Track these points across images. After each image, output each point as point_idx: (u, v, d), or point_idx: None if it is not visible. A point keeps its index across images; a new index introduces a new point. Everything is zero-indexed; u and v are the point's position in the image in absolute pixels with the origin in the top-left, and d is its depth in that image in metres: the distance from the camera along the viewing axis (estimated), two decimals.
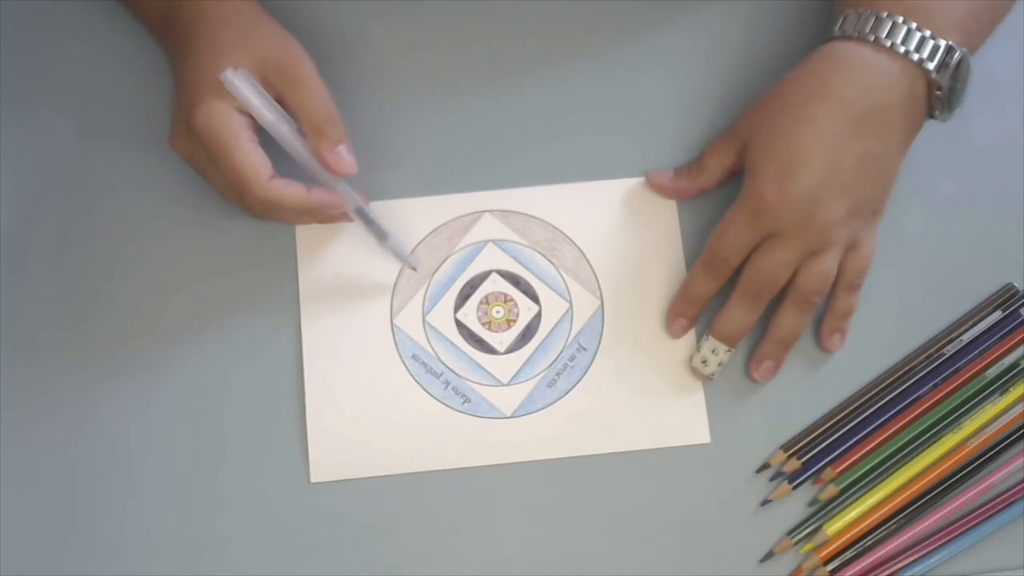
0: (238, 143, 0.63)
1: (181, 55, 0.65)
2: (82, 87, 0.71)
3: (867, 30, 0.64)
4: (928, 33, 0.64)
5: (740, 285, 0.65)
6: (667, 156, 0.70)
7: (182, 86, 0.65)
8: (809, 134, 0.63)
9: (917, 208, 0.70)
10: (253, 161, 0.63)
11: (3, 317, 0.67)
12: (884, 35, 0.64)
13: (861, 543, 0.65)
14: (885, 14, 0.64)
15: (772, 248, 0.64)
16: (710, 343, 0.66)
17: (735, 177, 0.67)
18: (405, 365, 0.66)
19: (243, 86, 0.63)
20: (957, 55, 0.64)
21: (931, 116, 0.66)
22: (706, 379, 0.66)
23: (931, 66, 0.64)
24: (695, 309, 0.67)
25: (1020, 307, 0.68)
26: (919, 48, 0.64)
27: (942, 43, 0.64)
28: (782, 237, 0.64)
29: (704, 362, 0.66)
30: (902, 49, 0.64)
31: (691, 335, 0.67)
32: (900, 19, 0.64)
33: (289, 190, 0.63)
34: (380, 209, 0.68)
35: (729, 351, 0.66)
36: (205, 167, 0.65)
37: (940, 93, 0.65)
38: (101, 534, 0.64)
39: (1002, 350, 0.67)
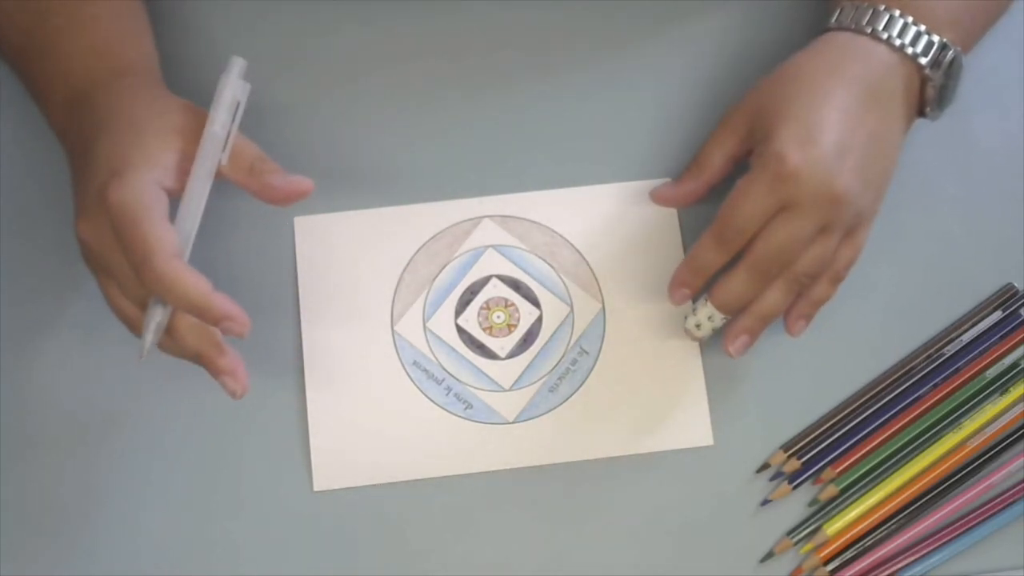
0: (150, 214, 0.57)
1: (93, 136, 0.61)
2: None
3: (864, 22, 0.64)
4: (923, 28, 0.64)
5: (750, 257, 0.63)
6: (667, 159, 0.70)
7: (95, 167, 0.60)
8: (826, 106, 0.63)
9: (917, 208, 0.70)
10: (161, 234, 0.57)
11: (3, 320, 0.68)
12: (881, 27, 0.64)
13: (861, 543, 0.65)
14: (882, 7, 0.64)
15: (788, 220, 0.62)
16: (707, 309, 0.65)
17: (737, 170, 0.67)
18: (406, 372, 0.67)
19: (236, 82, 0.61)
20: (951, 53, 0.64)
21: (921, 114, 0.67)
22: (696, 340, 0.67)
23: (924, 61, 0.64)
24: (700, 280, 0.65)
25: (1020, 307, 0.68)
26: (914, 43, 0.64)
27: (936, 40, 0.64)
28: (800, 209, 0.62)
29: (698, 326, 0.65)
30: (898, 42, 0.64)
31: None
32: (896, 12, 0.64)
33: (192, 277, 0.57)
34: (378, 215, 0.69)
35: (724, 319, 0.65)
36: (107, 250, 0.59)
37: (932, 90, 0.65)
38: (103, 543, 0.65)
39: (1002, 350, 0.67)
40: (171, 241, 0.58)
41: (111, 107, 0.62)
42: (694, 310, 0.65)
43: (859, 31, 0.65)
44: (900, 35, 0.64)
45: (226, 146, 0.61)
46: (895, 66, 0.64)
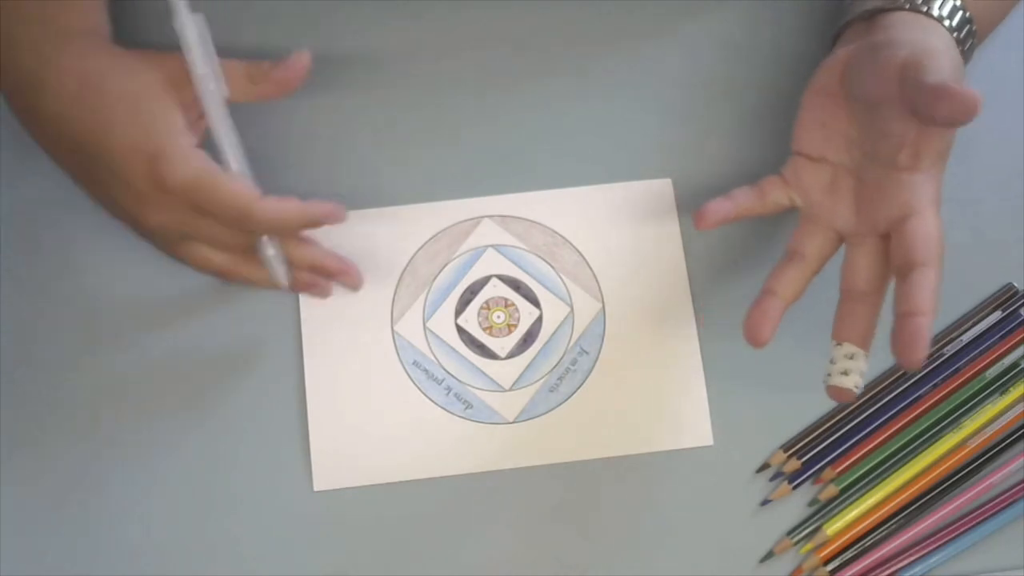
0: (215, 176, 0.60)
1: (87, 131, 0.61)
2: None
3: (919, 1, 0.63)
4: (968, 15, 0.63)
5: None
6: (667, 159, 0.70)
7: (119, 160, 0.60)
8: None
9: None
10: (238, 187, 0.61)
11: (3, 326, 0.68)
12: (935, 8, 0.63)
13: (861, 543, 0.65)
14: None
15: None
16: (844, 348, 0.60)
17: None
18: (406, 372, 0.67)
19: (194, 29, 0.61)
20: (971, 43, 0.64)
21: None
22: (850, 395, 0.60)
23: (963, 49, 0.63)
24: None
25: (1020, 307, 0.68)
26: (959, 29, 0.63)
27: (970, 28, 0.63)
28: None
29: (845, 373, 0.60)
30: (947, 24, 0.63)
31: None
32: None
33: (286, 205, 0.61)
34: (378, 215, 0.69)
35: (866, 356, 0.60)
36: (190, 223, 0.62)
37: None
38: (103, 543, 0.65)
39: (1002, 350, 0.67)
40: (248, 186, 0.61)
41: (75, 90, 0.61)
42: (832, 360, 0.60)
43: (915, 9, 0.62)
44: (949, 17, 0.63)
45: (219, 79, 0.62)
46: (953, 47, 0.63)
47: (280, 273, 0.64)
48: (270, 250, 0.64)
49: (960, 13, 0.63)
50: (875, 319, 0.61)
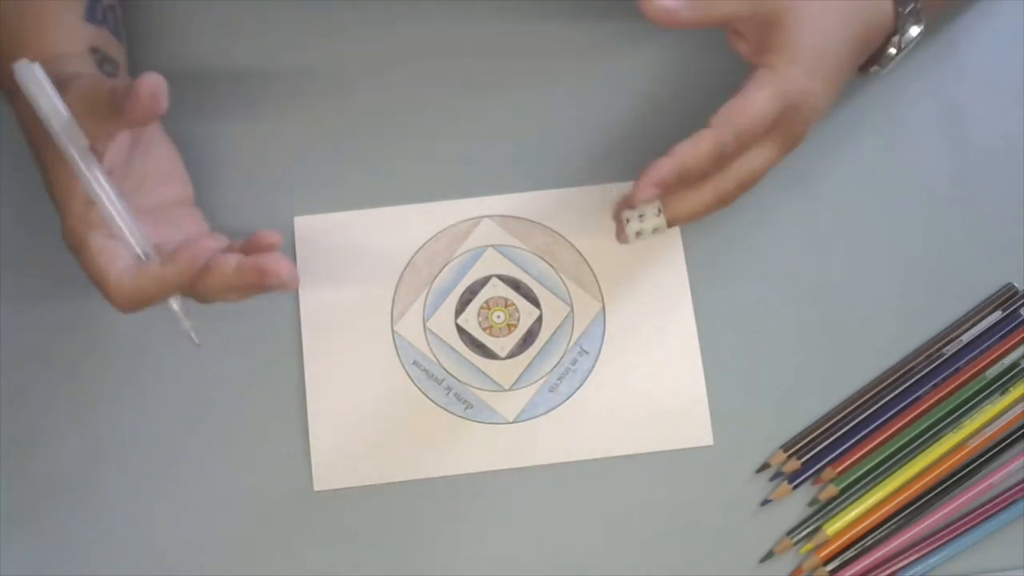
0: (149, 272, 0.59)
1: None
2: None
3: None
4: None
5: (722, 186, 0.62)
6: None
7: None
8: (836, 38, 0.62)
9: (917, 208, 0.70)
10: (168, 271, 0.59)
11: (3, 319, 0.67)
12: None
13: (861, 543, 0.65)
14: None
15: (768, 151, 0.62)
16: (658, 220, 0.63)
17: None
18: (406, 372, 0.67)
19: (39, 80, 0.56)
20: (918, 28, 0.64)
21: (862, 69, 0.66)
22: (625, 243, 0.64)
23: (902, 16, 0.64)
24: (680, 185, 0.61)
25: (1020, 307, 0.68)
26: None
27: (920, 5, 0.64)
28: (783, 142, 0.62)
29: (638, 233, 0.63)
30: None
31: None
32: None
33: (165, 271, 0.58)
34: (378, 215, 0.69)
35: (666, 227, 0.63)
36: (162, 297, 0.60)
37: (892, 49, 0.65)
38: (103, 543, 0.65)
39: (1002, 350, 0.67)
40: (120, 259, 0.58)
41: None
42: (640, 216, 0.63)
43: None
44: None
45: (75, 127, 0.57)
46: (888, 14, 0.64)
47: (187, 327, 0.61)
48: (174, 304, 0.61)
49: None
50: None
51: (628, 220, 0.63)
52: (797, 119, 0.62)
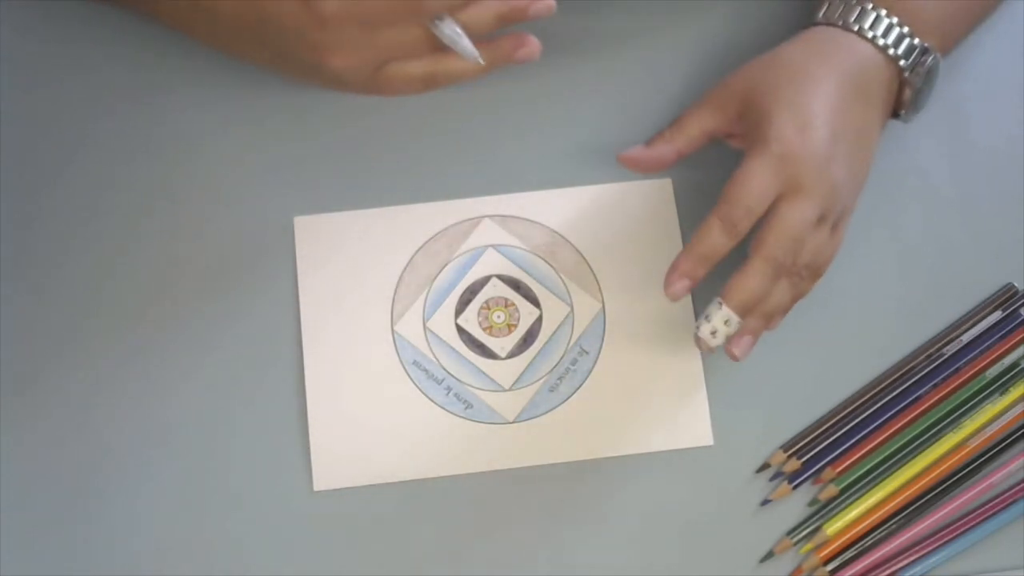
0: None
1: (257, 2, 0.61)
2: (76, 79, 0.71)
3: (851, 19, 0.65)
4: (907, 31, 0.65)
5: (764, 248, 0.61)
6: None
7: (279, 13, 0.60)
8: (818, 94, 0.63)
9: (917, 208, 0.70)
10: None
11: (3, 319, 0.67)
12: (867, 26, 0.65)
13: (861, 543, 0.65)
14: (870, 6, 0.65)
15: (794, 204, 0.61)
16: (723, 312, 0.62)
17: (712, 144, 0.67)
18: (406, 372, 0.67)
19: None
20: (930, 59, 0.65)
21: (895, 115, 0.67)
22: (709, 351, 0.64)
23: (904, 64, 0.65)
24: (704, 269, 0.62)
25: (1020, 307, 0.68)
26: (897, 44, 0.65)
27: (918, 44, 0.65)
28: (803, 192, 0.61)
29: (714, 333, 0.62)
30: (881, 42, 0.65)
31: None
32: (883, 12, 0.65)
33: None
34: (378, 215, 0.69)
35: (739, 323, 0.62)
36: (374, 43, 0.60)
37: (909, 92, 0.66)
38: (103, 543, 0.65)
39: (1002, 350, 0.67)
40: None
41: None
42: (707, 317, 0.62)
43: (846, 28, 0.65)
44: (884, 35, 0.65)
45: None
46: (879, 64, 0.65)
47: (467, 47, 0.61)
48: (447, 28, 0.61)
49: (896, 30, 0.65)
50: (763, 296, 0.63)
51: (698, 327, 0.63)
52: (806, 170, 0.61)
